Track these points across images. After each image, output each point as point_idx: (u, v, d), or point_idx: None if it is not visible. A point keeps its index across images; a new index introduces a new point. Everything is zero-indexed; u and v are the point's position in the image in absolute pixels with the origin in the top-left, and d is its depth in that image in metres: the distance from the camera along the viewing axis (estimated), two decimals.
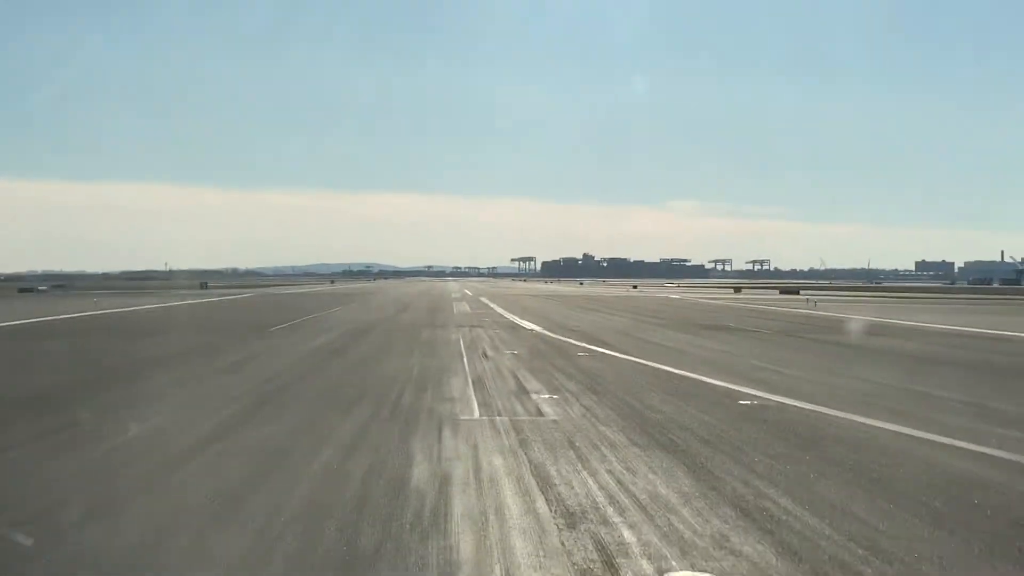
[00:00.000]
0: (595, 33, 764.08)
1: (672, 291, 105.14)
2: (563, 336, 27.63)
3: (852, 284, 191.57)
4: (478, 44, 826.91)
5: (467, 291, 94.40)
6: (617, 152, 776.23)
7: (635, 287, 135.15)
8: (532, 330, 30.60)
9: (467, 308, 49.19)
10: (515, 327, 32.43)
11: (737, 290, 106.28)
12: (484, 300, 62.97)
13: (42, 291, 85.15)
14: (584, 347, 23.59)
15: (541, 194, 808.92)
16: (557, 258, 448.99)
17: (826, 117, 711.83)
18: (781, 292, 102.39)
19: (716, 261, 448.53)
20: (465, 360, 19.97)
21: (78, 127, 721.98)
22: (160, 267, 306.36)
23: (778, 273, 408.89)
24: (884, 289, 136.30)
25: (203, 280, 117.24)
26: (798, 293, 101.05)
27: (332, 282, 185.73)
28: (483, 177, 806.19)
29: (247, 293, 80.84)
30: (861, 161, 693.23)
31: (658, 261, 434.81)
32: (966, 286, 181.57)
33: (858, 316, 41.70)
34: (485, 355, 21.23)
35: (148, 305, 50.99)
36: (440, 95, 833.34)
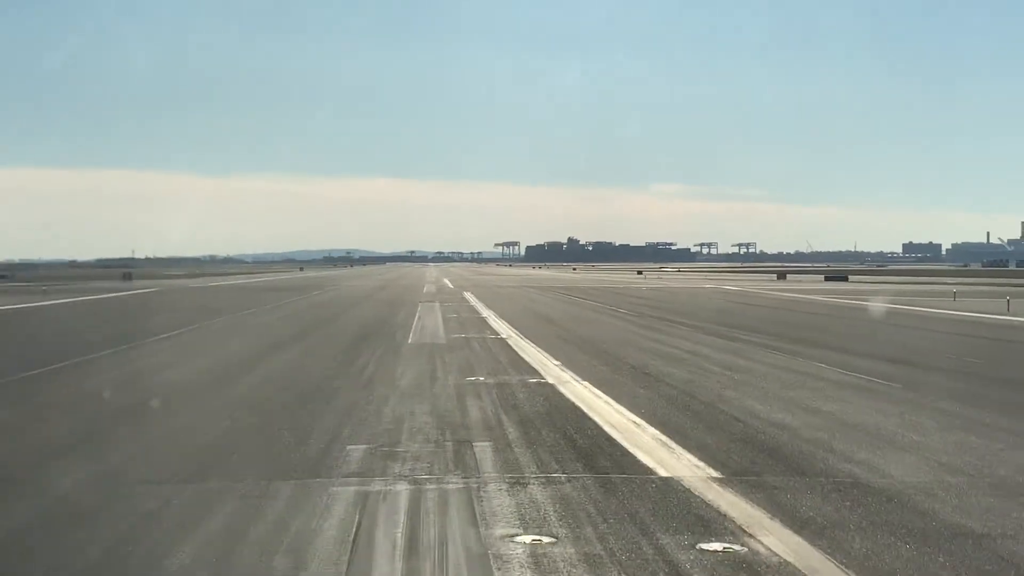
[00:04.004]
0: (576, 14, 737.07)
1: (691, 278, 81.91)
2: None
3: (864, 268, 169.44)
4: (460, 24, 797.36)
5: (447, 281, 70.44)
6: (599, 135, 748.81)
7: (640, 273, 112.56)
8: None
9: (438, 323, 25.27)
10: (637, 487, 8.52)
11: (781, 276, 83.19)
12: (470, 300, 39.01)
13: None
14: None
15: (523, 178, 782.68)
16: (541, 242, 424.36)
17: (808, 98, 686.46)
18: (826, 279, 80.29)
19: (702, 244, 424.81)
20: None
21: (61, 113, 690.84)
22: (141, 254, 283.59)
23: (764, 256, 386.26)
24: (922, 274, 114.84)
25: (127, 271, 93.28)
26: (846, 279, 79.17)
27: (301, 269, 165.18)
28: (465, 161, 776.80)
29: (150, 288, 56.44)
30: (843, 143, 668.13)
31: (644, 245, 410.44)
32: (980, 269, 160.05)
33: None
34: None
35: None
36: (422, 78, 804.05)
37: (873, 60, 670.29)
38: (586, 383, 12.91)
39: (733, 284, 62.27)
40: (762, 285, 60.16)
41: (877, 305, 33.79)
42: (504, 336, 20.61)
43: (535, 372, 14.18)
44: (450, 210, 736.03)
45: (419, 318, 26.80)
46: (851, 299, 39.30)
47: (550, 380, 13.22)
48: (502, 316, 27.33)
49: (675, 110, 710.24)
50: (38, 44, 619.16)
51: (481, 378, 13.45)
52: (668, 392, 12.17)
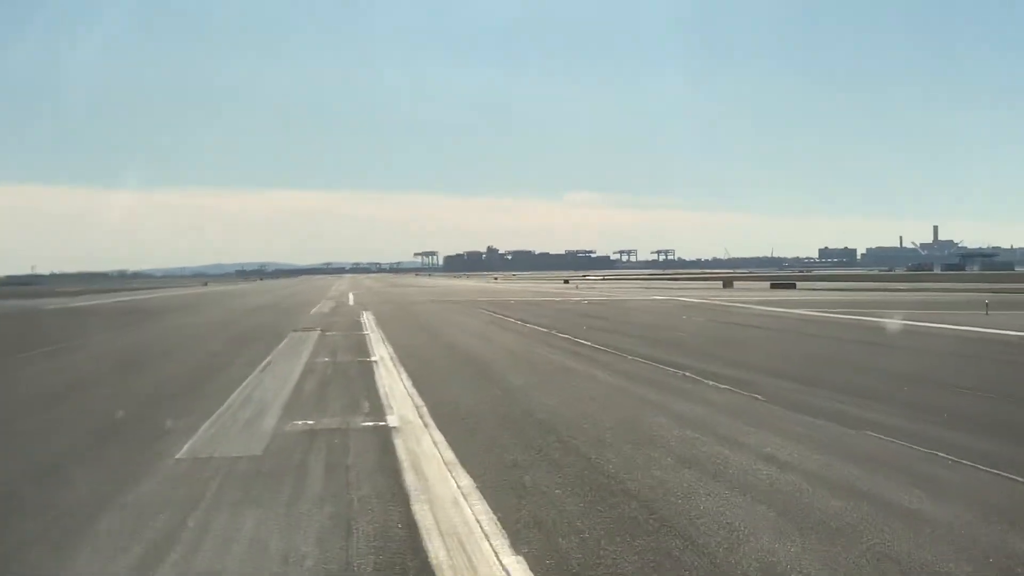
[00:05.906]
0: (487, 21, 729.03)
1: (627, 287, 72.54)
2: None
3: (803, 274, 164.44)
4: (371, 33, 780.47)
5: (351, 296, 59.05)
6: (514, 144, 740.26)
7: (566, 281, 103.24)
8: None
9: (287, 383, 14.52)
10: None
11: (727, 284, 74.22)
12: (367, 325, 28.16)
13: None
14: None
15: (440, 188, 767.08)
16: (460, 252, 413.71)
17: (720, 106, 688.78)
18: (773, 286, 71.80)
19: (621, 252, 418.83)
20: None
21: None
22: (46, 270, 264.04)
23: (683, 263, 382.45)
24: (860, 278, 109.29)
25: None
26: (794, 287, 70.79)
27: (205, 284, 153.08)
28: (382, 172, 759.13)
29: None
30: (756, 150, 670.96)
31: (563, 253, 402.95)
32: (909, 273, 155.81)
33: None
34: None
35: None
36: (335, 89, 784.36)
37: (784, 68, 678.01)
38: None
39: (685, 295, 52.67)
40: (722, 296, 50.74)
41: (931, 326, 24.30)
42: (394, 424, 10.04)
43: None
44: (368, 221, 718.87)
45: (266, 368, 16.01)
46: (873, 316, 29.81)
47: None
48: (404, 361, 16.74)
49: (586, 119, 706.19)
50: None
51: None
52: None
